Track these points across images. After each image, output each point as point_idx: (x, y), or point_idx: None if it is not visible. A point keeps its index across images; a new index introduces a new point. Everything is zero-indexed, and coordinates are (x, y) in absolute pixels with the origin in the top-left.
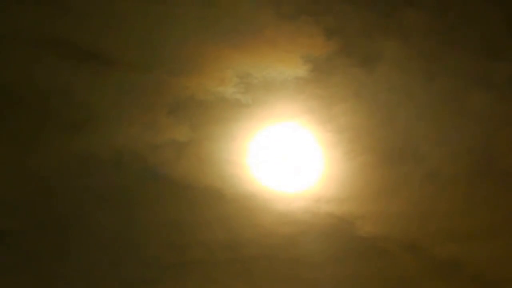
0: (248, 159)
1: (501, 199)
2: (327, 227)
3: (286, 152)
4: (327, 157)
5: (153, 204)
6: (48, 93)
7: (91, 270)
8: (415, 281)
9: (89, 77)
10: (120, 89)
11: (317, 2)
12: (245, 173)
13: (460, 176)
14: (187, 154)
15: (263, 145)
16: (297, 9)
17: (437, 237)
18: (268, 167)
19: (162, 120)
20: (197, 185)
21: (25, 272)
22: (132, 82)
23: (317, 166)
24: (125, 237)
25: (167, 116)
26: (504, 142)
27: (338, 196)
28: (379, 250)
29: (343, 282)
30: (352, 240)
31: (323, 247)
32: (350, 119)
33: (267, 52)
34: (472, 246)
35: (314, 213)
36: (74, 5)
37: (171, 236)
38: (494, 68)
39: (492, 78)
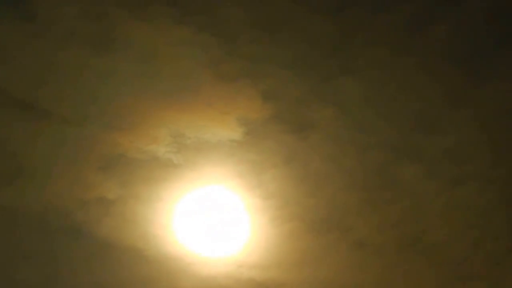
0: (173, 221)
1: (427, 271)
2: None
3: (212, 215)
4: (254, 222)
5: (76, 262)
6: None
7: None
8: None
9: (22, 128)
10: (52, 141)
11: (256, 65)
12: (169, 235)
13: (387, 247)
14: (113, 212)
15: (189, 207)
16: (236, 71)
17: None
18: (193, 230)
19: (91, 176)
20: (120, 244)
21: None
22: (64, 135)
23: (243, 231)
24: None
25: (96, 172)
26: (432, 216)
27: (262, 262)
28: None
29: None
30: None
31: None
32: (279, 186)
33: (203, 112)
34: None
35: (236, 279)
36: (11, 54)
37: None
38: (427, 142)
39: (424, 151)
